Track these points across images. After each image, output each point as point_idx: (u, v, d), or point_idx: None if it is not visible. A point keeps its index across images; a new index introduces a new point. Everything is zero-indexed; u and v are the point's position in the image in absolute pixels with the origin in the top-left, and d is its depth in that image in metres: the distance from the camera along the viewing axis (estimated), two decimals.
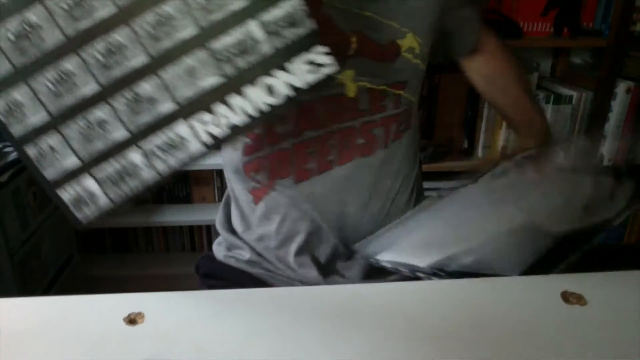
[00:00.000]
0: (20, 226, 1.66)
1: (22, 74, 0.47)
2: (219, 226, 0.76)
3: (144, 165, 0.51)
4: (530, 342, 0.43)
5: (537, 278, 0.56)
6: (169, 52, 0.47)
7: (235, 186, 0.70)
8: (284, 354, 0.43)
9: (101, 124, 0.49)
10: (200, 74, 0.48)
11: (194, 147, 0.50)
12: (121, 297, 0.51)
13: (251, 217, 0.69)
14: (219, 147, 0.53)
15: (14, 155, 1.66)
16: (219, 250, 0.75)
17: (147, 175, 0.51)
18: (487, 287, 0.51)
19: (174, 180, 2.02)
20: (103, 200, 0.51)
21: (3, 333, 0.46)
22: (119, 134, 0.50)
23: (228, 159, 0.69)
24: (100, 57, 0.47)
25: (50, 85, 0.48)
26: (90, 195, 0.51)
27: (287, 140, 0.63)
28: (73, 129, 0.49)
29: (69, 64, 0.47)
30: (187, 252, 1.80)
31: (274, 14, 0.47)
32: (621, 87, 1.45)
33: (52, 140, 0.49)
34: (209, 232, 1.78)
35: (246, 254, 0.71)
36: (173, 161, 0.51)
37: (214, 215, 0.77)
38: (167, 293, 0.54)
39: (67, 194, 0.51)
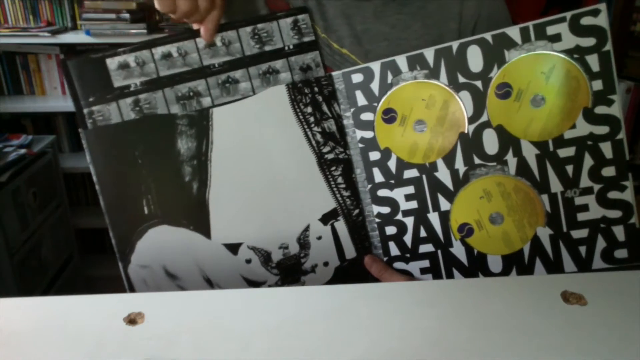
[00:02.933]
0: (20, 226, 1.66)
1: None
2: None
3: None
4: (530, 342, 0.43)
5: (537, 278, 0.56)
6: None
7: None
8: (284, 354, 0.43)
9: None
10: None
11: None
12: (121, 297, 0.51)
13: None
14: None
15: (14, 155, 1.66)
16: None
17: None
18: (487, 287, 0.51)
19: None
20: None
21: (3, 333, 0.46)
22: None
23: None
24: None
25: None
26: None
27: None
28: None
29: None
30: None
31: None
32: (621, 87, 1.45)
33: None
34: None
35: None
36: None
37: None
38: (167, 293, 0.54)
39: None
